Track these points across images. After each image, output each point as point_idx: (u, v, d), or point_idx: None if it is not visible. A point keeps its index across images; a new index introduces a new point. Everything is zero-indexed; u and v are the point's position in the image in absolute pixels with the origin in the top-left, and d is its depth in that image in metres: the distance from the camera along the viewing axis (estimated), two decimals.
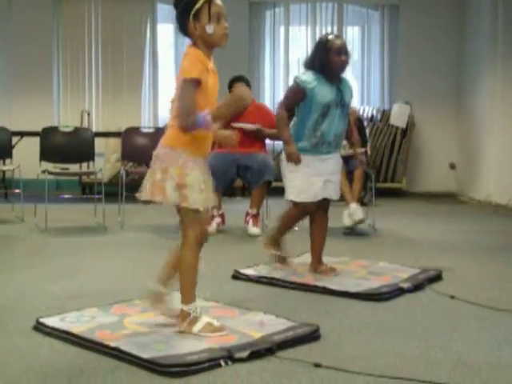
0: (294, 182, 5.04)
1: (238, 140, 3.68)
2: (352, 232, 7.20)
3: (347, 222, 7.20)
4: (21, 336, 3.67)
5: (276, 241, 5.33)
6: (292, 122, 5.11)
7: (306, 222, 5.27)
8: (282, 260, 5.33)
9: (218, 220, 7.16)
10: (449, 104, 11.38)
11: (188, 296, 3.64)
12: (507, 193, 9.79)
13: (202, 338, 3.52)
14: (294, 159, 4.98)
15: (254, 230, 7.14)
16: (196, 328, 3.58)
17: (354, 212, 7.11)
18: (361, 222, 7.16)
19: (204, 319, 3.62)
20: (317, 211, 5.16)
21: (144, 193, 3.64)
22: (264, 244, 5.39)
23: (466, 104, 11.10)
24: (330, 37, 5.09)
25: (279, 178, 7.39)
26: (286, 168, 5.10)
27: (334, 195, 5.22)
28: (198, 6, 3.54)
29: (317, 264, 5.20)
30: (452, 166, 11.45)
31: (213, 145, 3.91)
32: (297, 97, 5.03)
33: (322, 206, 5.15)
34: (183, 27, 3.61)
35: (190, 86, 3.49)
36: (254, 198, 7.29)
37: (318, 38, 5.36)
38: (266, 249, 5.35)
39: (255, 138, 7.36)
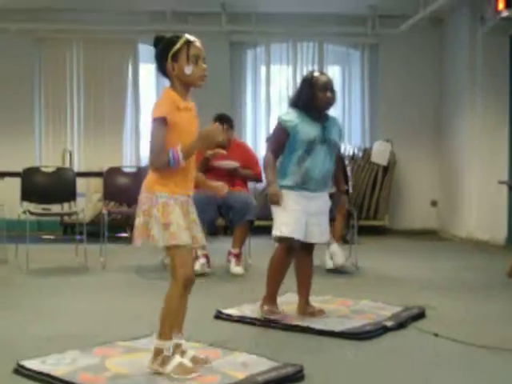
0: (281, 218, 4.97)
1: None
2: (335, 271, 7.18)
3: (329, 264, 7.17)
4: (1, 379, 3.62)
5: (271, 298, 5.10)
6: (278, 160, 5.08)
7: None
8: (275, 313, 5.05)
9: (202, 260, 6.99)
10: (429, 142, 11.44)
11: (164, 332, 3.62)
12: (488, 229, 9.83)
13: (184, 380, 3.49)
14: (275, 200, 4.95)
15: (236, 269, 7.09)
16: (168, 368, 3.56)
17: (334, 253, 7.08)
18: (342, 268, 7.14)
19: (177, 359, 3.60)
20: (301, 252, 5.11)
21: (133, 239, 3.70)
22: (260, 304, 5.11)
23: (446, 142, 11.17)
24: (316, 73, 5.09)
25: (262, 217, 7.43)
26: (274, 206, 5.04)
27: (319, 238, 5.12)
28: (176, 47, 3.61)
29: (305, 306, 5.14)
30: (433, 203, 11.49)
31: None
32: (280, 137, 5.01)
33: (307, 247, 5.12)
34: (161, 67, 3.69)
35: (158, 125, 3.59)
36: (236, 237, 7.25)
37: (299, 76, 5.35)
38: (261, 308, 5.07)
39: (235, 177, 7.36)
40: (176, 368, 3.56)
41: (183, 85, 3.67)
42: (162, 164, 3.57)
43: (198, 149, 3.62)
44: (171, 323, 3.64)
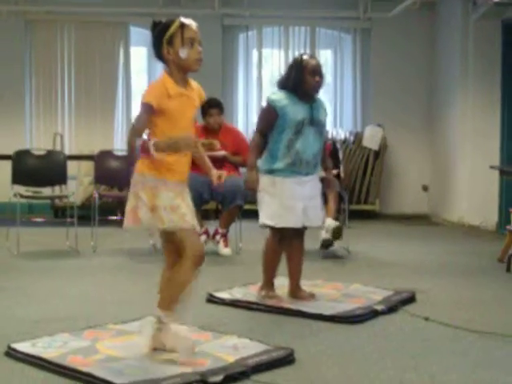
0: (271, 207, 4.96)
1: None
2: (330, 247, 7.07)
3: (325, 235, 7.03)
4: None
5: (268, 283, 5.15)
6: (268, 143, 5.06)
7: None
8: (273, 298, 5.12)
9: (203, 238, 7.16)
10: (421, 126, 11.44)
11: (169, 306, 3.65)
12: (479, 214, 9.85)
13: (176, 363, 3.50)
14: (252, 187, 4.97)
15: (225, 250, 7.22)
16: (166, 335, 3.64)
17: (329, 225, 6.99)
18: (339, 230, 7.01)
19: (174, 327, 3.66)
20: (294, 236, 5.11)
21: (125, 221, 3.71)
22: (258, 292, 5.16)
23: (438, 126, 11.17)
24: (305, 57, 5.07)
25: (253, 201, 7.42)
26: (264, 192, 5.02)
27: (316, 221, 5.14)
28: (171, 30, 3.58)
29: (296, 289, 5.14)
30: (425, 188, 11.50)
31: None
32: (269, 117, 4.99)
33: (299, 231, 5.12)
34: (158, 52, 3.66)
35: (142, 110, 3.62)
36: (223, 217, 7.37)
37: (291, 59, 5.32)
38: (259, 293, 5.14)
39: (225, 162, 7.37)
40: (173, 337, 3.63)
41: (180, 69, 3.65)
42: (130, 147, 3.61)
43: (174, 149, 3.58)
44: (177, 298, 3.66)
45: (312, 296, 5.10)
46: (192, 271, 3.63)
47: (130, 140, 3.60)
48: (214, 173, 3.95)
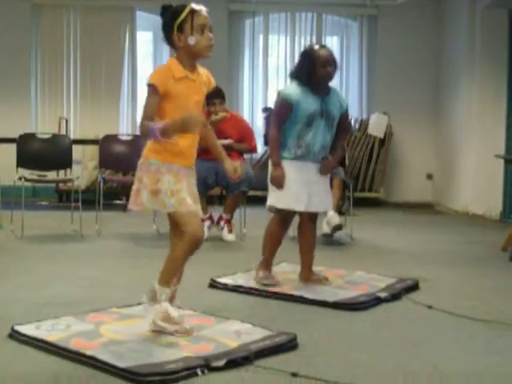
0: (277, 190, 5.02)
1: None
2: (330, 239, 7.18)
3: (325, 229, 7.15)
4: None
5: (267, 264, 5.21)
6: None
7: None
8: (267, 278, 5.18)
9: (207, 223, 7.22)
10: (427, 114, 11.43)
11: (165, 279, 3.69)
12: (484, 203, 9.85)
13: (179, 347, 3.51)
14: (277, 184, 4.96)
15: (229, 236, 7.24)
16: (156, 310, 3.68)
17: (331, 219, 7.07)
18: (338, 227, 7.11)
19: (165, 305, 3.67)
20: (305, 220, 5.14)
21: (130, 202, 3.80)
22: (255, 270, 5.21)
23: (443, 114, 11.16)
24: (316, 47, 5.05)
25: (257, 188, 7.44)
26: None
27: (321, 207, 5.17)
28: (181, 17, 3.59)
29: (308, 273, 5.17)
30: (429, 177, 11.50)
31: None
32: (285, 111, 4.97)
33: (311, 216, 5.14)
34: (168, 38, 3.66)
35: (148, 92, 3.63)
36: (228, 203, 7.36)
37: (297, 46, 5.31)
38: (257, 273, 5.18)
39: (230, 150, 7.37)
40: (161, 315, 3.67)
41: (189, 55, 3.66)
42: (143, 132, 3.55)
43: (176, 132, 3.49)
44: (174, 271, 3.72)
45: (326, 279, 5.13)
46: (187, 252, 3.67)
47: (141, 125, 3.56)
48: (229, 164, 3.97)
